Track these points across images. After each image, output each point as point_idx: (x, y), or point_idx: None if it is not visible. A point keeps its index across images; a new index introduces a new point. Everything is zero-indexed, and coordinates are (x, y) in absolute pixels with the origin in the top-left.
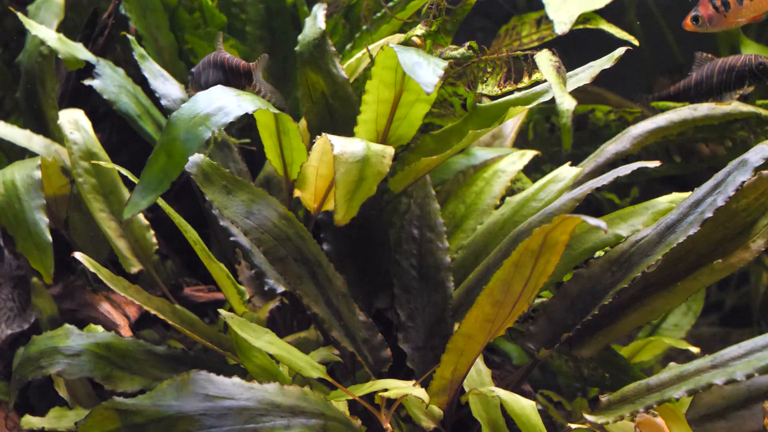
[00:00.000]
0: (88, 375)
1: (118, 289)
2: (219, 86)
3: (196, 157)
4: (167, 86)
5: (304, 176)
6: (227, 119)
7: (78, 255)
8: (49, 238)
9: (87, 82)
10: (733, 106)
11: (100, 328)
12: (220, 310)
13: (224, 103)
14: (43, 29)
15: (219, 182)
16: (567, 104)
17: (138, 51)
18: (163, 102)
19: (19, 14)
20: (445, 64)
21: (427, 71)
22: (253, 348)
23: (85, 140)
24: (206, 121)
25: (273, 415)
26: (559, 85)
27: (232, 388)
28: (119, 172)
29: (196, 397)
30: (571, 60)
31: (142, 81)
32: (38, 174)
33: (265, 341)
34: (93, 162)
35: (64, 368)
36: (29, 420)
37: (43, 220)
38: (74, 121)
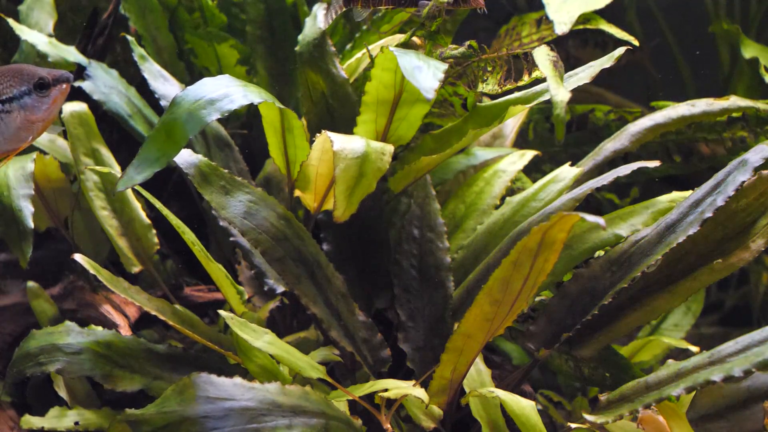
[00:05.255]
0: (88, 374)
1: (118, 290)
2: (227, 75)
3: (194, 158)
4: (167, 86)
5: (305, 175)
6: (231, 106)
7: (77, 257)
8: (31, 224)
9: (76, 84)
10: (731, 101)
11: (100, 328)
12: (221, 311)
13: (230, 91)
14: (34, 34)
15: (217, 183)
16: (561, 95)
17: (138, 51)
18: (163, 103)
19: (10, 20)
20: (445, 66)
21: (427, 75)
22: (254, 348)
23: (88, 136)
24: (210, 106)
25: (275, 414)
26: (554, 78)
27: (233, 389)
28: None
29: (198, 400)
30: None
31: (141, 81)
32: (31, 166)
33: (264, 342)
34: (90, 168)
35: (63, 366)
36: (29, 420)
37: (28, 208)
38: (77, 116)
